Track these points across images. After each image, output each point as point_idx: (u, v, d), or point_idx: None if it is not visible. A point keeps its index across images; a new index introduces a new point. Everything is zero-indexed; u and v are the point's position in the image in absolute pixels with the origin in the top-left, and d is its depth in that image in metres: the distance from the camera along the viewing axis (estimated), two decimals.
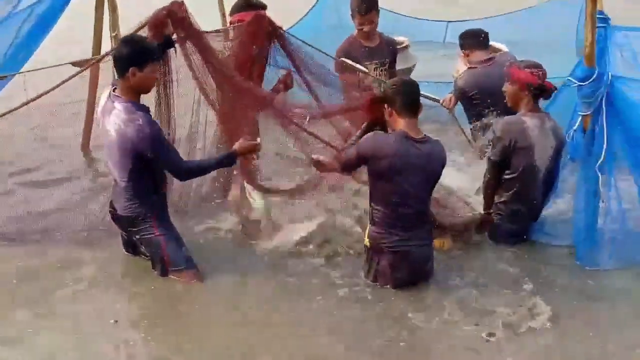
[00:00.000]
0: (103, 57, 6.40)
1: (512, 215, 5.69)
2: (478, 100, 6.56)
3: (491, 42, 8.11)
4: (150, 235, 5.30)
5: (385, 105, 5.15)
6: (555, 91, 5.66)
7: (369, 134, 5.20)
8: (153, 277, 5.33)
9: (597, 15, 5.95)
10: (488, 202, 5.80)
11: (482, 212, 5.79)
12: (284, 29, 6.09)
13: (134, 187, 5.24)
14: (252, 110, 5.86)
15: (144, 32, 5.57)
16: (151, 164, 5.17)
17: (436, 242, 5.49)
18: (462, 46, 6.90)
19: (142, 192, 5.29)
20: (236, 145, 5.33)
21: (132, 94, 5.18)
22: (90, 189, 6.68)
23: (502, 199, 5.72)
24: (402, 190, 5.03)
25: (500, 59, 6.81)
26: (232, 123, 5.84)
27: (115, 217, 5.43)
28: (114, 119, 5.11)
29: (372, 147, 5.05)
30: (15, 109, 5.83)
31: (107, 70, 6.03)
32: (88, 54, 7.07)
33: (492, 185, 5.75)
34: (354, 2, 6.83)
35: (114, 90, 5.21)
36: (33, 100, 5.79)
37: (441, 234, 5.61)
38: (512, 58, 6.66)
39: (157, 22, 5.55)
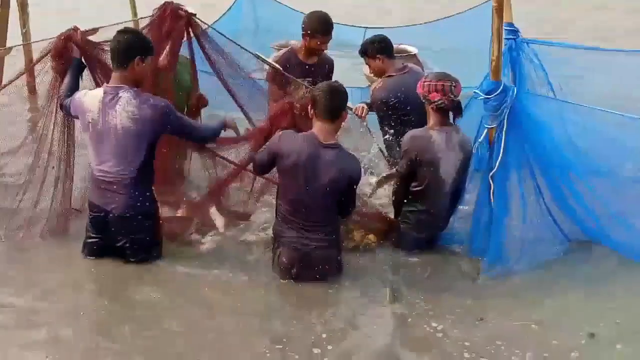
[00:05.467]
0: (9, 48, 6.29)
1: (418, 224, 5.72)
2: (396, 109, 6.48)
3: (402, 45, 8.14)
4: (151, 231, 5.37)
5: (310, 106, 5.27)
6: (441, 105, 5.57)
7: (278, 132, 5.37)
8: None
9: (506, 28, 6.03)
10: (396, 211, 5.89)
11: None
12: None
13: (144, 180, 5.25)
14: None
15: (48, 62, 5.62)
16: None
17: (356, 236, 5.80)
18: (379, 51, 6.62)
19: (150, 187, 5.33)
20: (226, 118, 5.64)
21: (131, 84, 5.15)
22: None
23: (410, 208, 5.75)
24: (300, 189, 5.19)
25: (414, 67, 6.83)
26: None
27: (105, 219, 5.27)
28: (123, 107, 5.09)
29: (279, 144, 5.23)
30: None
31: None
32: None
33: (399, 196, 5.80)
34: (313, 22, 6.62)
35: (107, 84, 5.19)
36: None
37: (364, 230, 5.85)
38: (418, 64, 6.66)
39: (60, 50, 5.53)
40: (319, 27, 6.63)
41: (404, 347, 4.72)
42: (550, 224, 5.76)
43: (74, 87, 5.43)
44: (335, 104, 5.23)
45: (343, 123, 6.15)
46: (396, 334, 4.85)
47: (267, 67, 6.66)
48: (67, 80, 5.47)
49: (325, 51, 6.86)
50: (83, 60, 5.59)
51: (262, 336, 4.76)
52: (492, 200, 5.50)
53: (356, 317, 5.02)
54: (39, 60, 5.75)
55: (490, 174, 5.46)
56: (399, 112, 6.48)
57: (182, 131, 5.37)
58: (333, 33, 6.72)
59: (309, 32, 6.65)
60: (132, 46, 5.15)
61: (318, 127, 5.24)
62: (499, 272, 5.42)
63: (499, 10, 5.21)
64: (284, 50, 7.13)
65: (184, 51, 6.08)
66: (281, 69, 6.53)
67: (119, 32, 5.25)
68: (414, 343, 4.78)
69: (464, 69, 6.82)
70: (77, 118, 5.37)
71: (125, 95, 5.12)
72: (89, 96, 5.23)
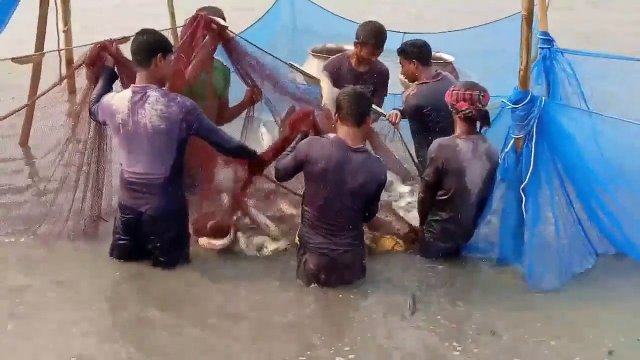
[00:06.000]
0: (44, 53, 6.38)
1: (443, 234, 5.69)
2: (429, 116, 6.46)
3: (439, 53, 8.12)
4: (182, 230, 5.45)
5: (335, 111, 5.29)
6: (469, 114, 5.55)
7: (305, 138, 5.37)
8: None
9: (541, 37, 6.00)
10: (422, 219, 5.86)
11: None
12: (242, 29, 6.07)
13: (176, 180, 5.31)
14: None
15: (82, 71, 5.74)
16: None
17: (387, 242, 5.83)
18: (416, 56, 6.60)
19: (182, 185, 5.40)
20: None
21: (156, 83, 5.22)
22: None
23: (435, 218, 5.73)
24: (329, 194, 5.19)
25: (448, 75, 6.81)
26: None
27: (138, 220, 5.32)
28: (152, 106, 5.15)
29: (307, 150, 5.21)
30: None
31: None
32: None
33: (425, 204, 5.78)
34: (366, 32, 6.60)
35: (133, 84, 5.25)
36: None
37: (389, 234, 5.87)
38: (453, 72, 6.62)
39: (94, 58, 5.62)
40: (371, 38, 6.59)
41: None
42: (580, 235, 5.69)
43: (104, 95, 5.45)
44: (361, 109, 5.23)
45: (379, 131, 6.17)
46: (415, 350, 4.78)
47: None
48: (98, 87, 5.53)
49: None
50: (116, 70, 5.66)
51: (281, 347, 4.75)
52: (524, 213, 5.44)
53: (376, 329, 4.98)
54: (76, 68, 5.88)
55: (522, 185, 5.41)
56: (431, 119, 6.46)
57: (208, 134, 5.35)
58: None
59: (360, 40, 6.64)
60: (152, 44, 5.20)
61: (344, 132, 5.23)
62: (541, 286, 5.36)
63: (529, 19, 5.16)
64: (339, 54, 7.11)
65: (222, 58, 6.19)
66: (314, 76, 6.56)
67: (138, 33, 5.31)
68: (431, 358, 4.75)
69: (503, 76, 6.80)
70: (105, 124, 5.43)
71: (154, 94, 5.17)
72: (117, 98, 5.28)
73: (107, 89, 5.52)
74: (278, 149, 5.59)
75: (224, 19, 6.10)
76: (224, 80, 6.39)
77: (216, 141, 5.41)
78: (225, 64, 6.28)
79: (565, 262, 5.53)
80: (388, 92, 7.14)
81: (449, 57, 8.17)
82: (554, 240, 5.54)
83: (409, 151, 6.76)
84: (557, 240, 5.55)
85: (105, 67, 5.61)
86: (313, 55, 8.48)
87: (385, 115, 6.61)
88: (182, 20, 6.28)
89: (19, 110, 6.18)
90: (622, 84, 6.38)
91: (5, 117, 6.10)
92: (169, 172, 5.25)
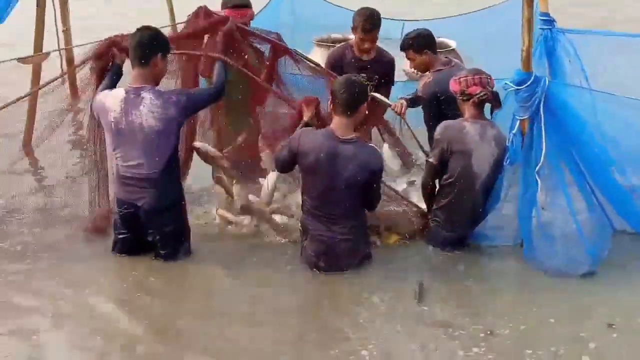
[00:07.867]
0: (48, 53, 6.37)
1: (448, 222, 5.64)
2: (447, 103, 6.30)
3: (440, 38, 8.10)
4: (181, 223, 5.47)
5: (330, 99, 5.28)
6: (484, 97, 5.55)
7: (298, 130, 5.39)
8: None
9: (542, 17, 5.96)
10: (427, 206, 5.81)
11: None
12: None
13: (172, 174, 5.33)
14: None
15: (88, 65, 5.65)
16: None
17: (392, 238, 5.79)
18: (426, 46, 6.57)
19: (178, 178, 5.47)
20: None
21: (151, 83, 5.22)
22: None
23: (440, 205, 5.67)
24: (323, 185, 5.22)
25: (457, 61, 6.80)
26: None
27: (135, 214, 5.33)
28: (148, 107, 5.15)
29: (298, 142, 5.23)
30: None
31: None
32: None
33: (429, 187, 5.74)
34: (358, 19, 6.58)
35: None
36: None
37: (386, 229, 5.81)
38: (458, 57, 6.58)
39: (102, 52, 5.55)
40: (360, 23, 6.57)
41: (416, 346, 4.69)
42: (600, 215, 5.60)
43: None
44: (350, 98, 5.16)
45: (389, 122, 6.21)
46: (421, 340, 4.73)
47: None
48: (104, 82, 5.49)
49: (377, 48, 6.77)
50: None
51: (278, 331, 4.80)
52: (540, 196, 5.36)
53: (379, 317, 4.96)
54: (82, 62, 5.75)
55: (537, 168, 5.32)
56: (449, 106, 6.33)
57: (202, 105, 5.49)
58: None
59: (353, 27, 6.65)
60: (153, 43, 5.18)
61: (336, 122, 5.23)
62: (560, 271, 5.32)
63: (529, 0, 5.15)
64: (342, 44, 7.10)
65: None
66: (321, 65, 6.53)
67: (139, 29, 5.27)
68: (428, 344, 4.70)
69: (505, 60, 6.77)
70: (99, 119, 5.39)
71: (148, 96, 5.16)
72: (111, 96, 5.25)
73: (112, 86, 5.47)
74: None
75: None
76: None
77: (208, 103, 5.56)
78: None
79: (584, 244, 5.42)
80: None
81: (451, 43, 8.13)
82: (572, 222, 5.43)
83: (417, 140, 6.72)
84: (576, 222, 5.44)
85: (114, 64, 5.54)
86: (317, 44, 8.46)
87: (390, 106, 6.57)
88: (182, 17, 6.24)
89: (13, 103, 6.07)
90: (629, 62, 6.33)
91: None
92: (163, 167, 5.25)
